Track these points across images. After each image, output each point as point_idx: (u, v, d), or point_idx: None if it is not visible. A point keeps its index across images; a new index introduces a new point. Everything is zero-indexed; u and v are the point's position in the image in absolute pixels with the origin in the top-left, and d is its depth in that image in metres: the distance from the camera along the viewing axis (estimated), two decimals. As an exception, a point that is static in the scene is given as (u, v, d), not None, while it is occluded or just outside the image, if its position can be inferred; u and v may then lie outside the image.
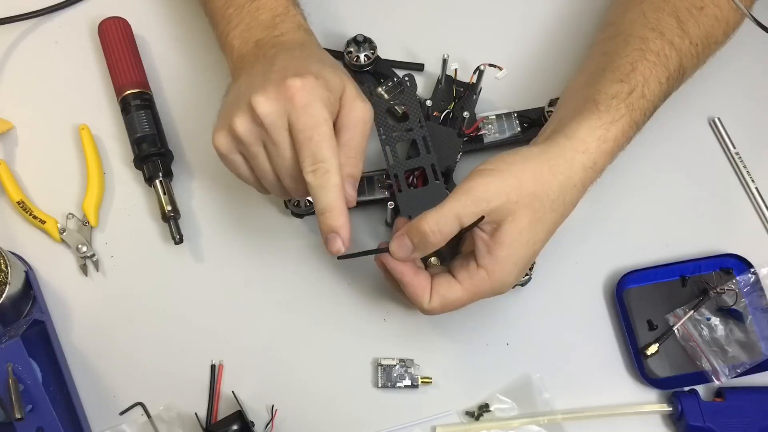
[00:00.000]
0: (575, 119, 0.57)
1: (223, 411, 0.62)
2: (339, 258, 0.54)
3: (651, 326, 0.65)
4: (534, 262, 0.63)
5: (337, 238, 0.53)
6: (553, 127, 0.59)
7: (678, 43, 0.60)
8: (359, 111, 0.55)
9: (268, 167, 0.55)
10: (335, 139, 0.53)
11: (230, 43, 0.61)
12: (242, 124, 0.53)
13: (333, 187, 0.52)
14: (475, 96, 0.69)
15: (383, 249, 0.55)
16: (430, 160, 0.62)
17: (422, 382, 0.63)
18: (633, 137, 0.59)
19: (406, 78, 0.65)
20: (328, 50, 0.72)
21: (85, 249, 0.66)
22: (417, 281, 0.55)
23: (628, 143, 0.58)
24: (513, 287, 0.64)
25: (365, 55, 0.70)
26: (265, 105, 0.52)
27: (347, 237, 0.53)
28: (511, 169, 0.53)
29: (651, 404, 0.63)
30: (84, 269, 0.66)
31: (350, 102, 0.54)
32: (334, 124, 0.54)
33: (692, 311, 0.64)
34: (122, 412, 0.63)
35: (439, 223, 0.52)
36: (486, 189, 0.52)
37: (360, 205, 0.64)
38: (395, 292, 0.59)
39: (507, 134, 0.68)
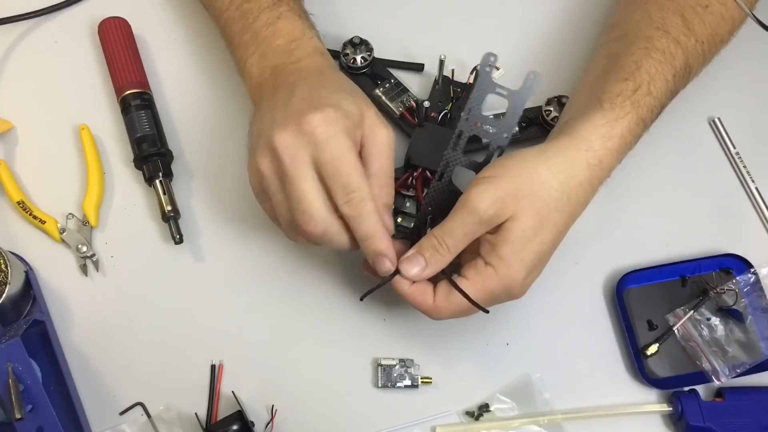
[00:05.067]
0: (578, 119, 0.57)
1: (223, 411, 0.62)
2: (361, 299, 0.55)
3: (651, 326, 0.65)
4: None
5: (385, 260, 0.54)
6: (558, 130, 0.59)
7: (684, 41, 0.60)
8: (382, 137, 0.54)
9: (285, 206, 0.54)
10: (362, 168, 0.53)
11: (248, 71, 0.61)
12: (264, 162, 0.53)
13: (369, 214, 0.53)
14: (473, 96, 0.69)
15: (394, 274, 0.55)
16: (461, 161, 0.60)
17: (422, 382, 0.63)
18: (641, 135, 0.58)
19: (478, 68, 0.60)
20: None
21: (85, 249, 0.66)
22: (415, 286, 0.55)
23: (636, 141, 0.58)
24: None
25: (362, 57, 0.70)
26: (285, 139, 0.52)
27: (393, 257, 0.54)
28: (507, 174, 0.53)
29: (651, 404, 0.63)
30: (84, 269, 0.66)
31: (372, 129, 0.54)
32: (360, 155, 0.54)
33: (692, 311, 0.64)
34: (122, 412, 0.63)
35: (444, 235, 0.54)
36: (481, 198, 0.52)
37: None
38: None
39: (506, 134, 0.68)
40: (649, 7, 0.62)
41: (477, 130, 0.57)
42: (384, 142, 0.54)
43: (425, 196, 0.59)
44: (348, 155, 0.52)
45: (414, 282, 0.55)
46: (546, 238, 0.53)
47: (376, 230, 0.53)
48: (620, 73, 0.59)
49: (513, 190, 0.52)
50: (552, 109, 0.68)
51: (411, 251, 0.55)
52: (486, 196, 0.52)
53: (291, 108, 0.54)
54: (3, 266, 0.61)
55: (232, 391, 0.62)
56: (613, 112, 0.56)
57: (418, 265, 0.54)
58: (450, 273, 0.55)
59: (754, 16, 0.57)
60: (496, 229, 0.53)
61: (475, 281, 0.53)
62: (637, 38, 0.61)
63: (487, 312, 0.54)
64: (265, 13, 0.61)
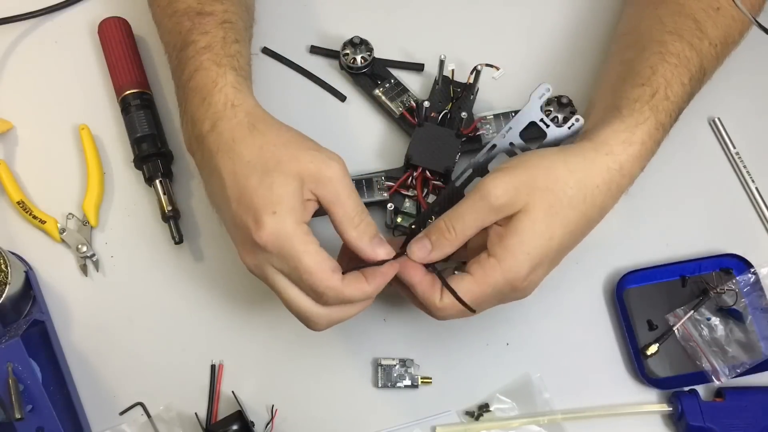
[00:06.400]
0: (598, 126, 0.56)
1: (223, 411, 0.62)
2: (344, 272, 0.53)
3: (651, 326, 0.65)
4: None
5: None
6: (579, 138, 0.58)
7: (697, 44, 0.60)
8: (330, 176, 0.51)
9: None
10: (323, 258, 0.51)
11: (183, 135, 0.58)
12: (247, 266, 0.54)
13: (350, 298, 0.52)
14: (472, 96, 0.69)
15: (398, 255, 0.54)
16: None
17: (422, 382, 0.63)
18: (661, 140, 0.58)
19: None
20: (325, 50, 0.72)
21: (85, 249, 0.66)
22: (426, 280, 0.54)
23: (657, 146, 0.58)
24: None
25: (362, 57, 0.70)
26: (248, 259, 0.53)
27: (382, 283, 0.53)
28: (523, 165, 0.53)
29: (651, 404, 0.63)
30: (84, 269, 0.66)
31: (317, 179, 0.51)
32: (321, 205, 0.52)
33: (692, 311, 0.64)
34: (122, 412, 0.63)
35: (453, 220, 0.53)
36: (495, 185, 0.52)
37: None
38: (407, 297, 0.58)
39: (506, 134, 0.68)
40: (660, 12, 0.62)
41: (507, 150, 0.59)
42: (334, 178, 0.52)
43: (436, 197, 0.59)
44: (304, 258, 0.50)
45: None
46: (555, 234, 0.53)
47: (366, 295, 0.53)
48: (636, 78, 0.58)
49: (527, 182, 0.52)
50: (552, 109, 0.68)
51: (419, 235, 0.55)
52: (500, 183, 0.52)
53: (234, 218, 0.52)
54: (3, 266, 0.61)
55: (232, 391, 0.62)
56: (632, 117, 0.56)
57: (424, 248, 0.54)
58: (439, 269, 0.54)
59: (756, 21, 0.57)
60: (506, 221, 0.53)
61: (477, 275, 0.53)
62: (650, 43, 0.60)
63: (474, 312, 0.53)
64: (191, 63, 0.57)
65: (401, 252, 0.55)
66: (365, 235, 0.53)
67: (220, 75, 0.55)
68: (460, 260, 0.55)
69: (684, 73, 0.59)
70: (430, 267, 0.55)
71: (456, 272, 0.54)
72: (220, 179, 0.53)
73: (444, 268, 0.55)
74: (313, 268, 0.50)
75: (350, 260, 0.55)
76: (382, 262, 0.53)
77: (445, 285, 0.53)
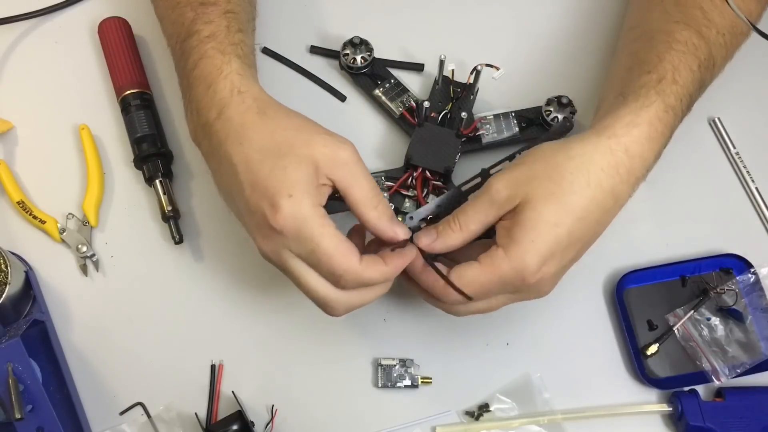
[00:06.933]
0: (602, 116, 0.57)
1: (223, 411, 0.62)
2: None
3: (651, 326, 0.65)
4: None
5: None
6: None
7: (705, 32, 0.60)
8: (343, 159, 0.52)
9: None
10: (341, 240, 0.51)
11: (188, 125, 0.58)
12: (264, 254, 0.54)
13: (369, 281, 0.52)
14: (472, 96, 0.69)
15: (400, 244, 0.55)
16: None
17: (422, 382, 0.63)
18: (674, 124, 0.57)
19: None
20: (325, 50, 0.72)
21: (85, 249, 0.66)
22: (431, 270, 0.54)
23: (669, 130, 0.57)
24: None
25: (362, 57, 0.70)
26: (265, 245, 0.52)
27: (402, 264, 0.54)
28: (524, 160, 0.54)
29: (651, 404, 0.63)
30: (84, 269, 0.66)
31: (331, 162, 0.51)
32: (336, 188, 0.52)
33: (692, 311, 0.64)
34: (122, 412, 0.63)
35: (459, 213, 0.54)
36: (496, 181, 0.53)
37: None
38: (420, 294, 0.58)
39: (505, 134, 0.68)
40: (666, 4, 0.62)
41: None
42: (350, 160, 0.52)
43: (440, 197, 0.59)
44: (323, 241, 0.50)
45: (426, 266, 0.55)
46: (562, 222, 0.52)
47: (385, 276, 0.53)
48: (643, 67, 0.58)
49: (527, 173, 0.53)
50: (552, 109, 0.68)
51: (432, 226, 0.56)
52: (500, 178, 0.53)
53: (249, 204, 0.52)
54: (3, 266, 0.61)
55: (232, 391, 0.62)
56: (636, 102, 0.55)
57: (430, 236, 0.54)
58: (433, 258, 0.55)
59: (752, 24, 0.57)
60: (512, 215, 0.53)
61: (484, 263, 0.53)
62: (657, 33, 0.60)
63: (470, 299, 0.53)
64: (195, 52, 0.57)
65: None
66: (384, 216, 0.53)
67: (224, 62, 0.55)
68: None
69: (692, 60, 0.58)
70: (428, 258, 0.55)
71: None
72: (231, 166, 0.53)
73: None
74: (332, 251, 0.50)
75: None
76: (398, 245, 0.53)
77: (433, 267, 0.54)
